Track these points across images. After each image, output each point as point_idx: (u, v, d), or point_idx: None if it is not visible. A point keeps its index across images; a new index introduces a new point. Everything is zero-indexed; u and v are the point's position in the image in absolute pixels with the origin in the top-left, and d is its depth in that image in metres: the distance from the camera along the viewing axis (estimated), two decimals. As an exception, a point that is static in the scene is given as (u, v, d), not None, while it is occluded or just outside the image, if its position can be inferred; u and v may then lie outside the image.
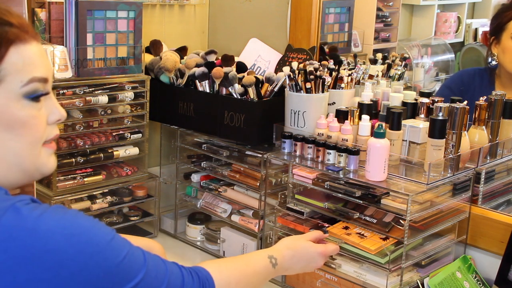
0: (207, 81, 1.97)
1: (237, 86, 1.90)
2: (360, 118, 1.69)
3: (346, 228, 1.62)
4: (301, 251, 1.39)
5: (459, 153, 1.64)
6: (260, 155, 1.84)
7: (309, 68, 1.78)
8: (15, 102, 0.96)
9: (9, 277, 0.85)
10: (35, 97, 0.98)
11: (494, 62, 2.14)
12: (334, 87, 1.88)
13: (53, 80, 1.09)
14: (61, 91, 1.83)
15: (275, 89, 1.89)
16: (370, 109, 1.77)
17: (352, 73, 1.91)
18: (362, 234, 1.58)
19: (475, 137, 1.77)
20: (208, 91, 1.97)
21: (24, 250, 0.86)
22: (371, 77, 2.02)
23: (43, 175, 1.03)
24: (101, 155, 1.98)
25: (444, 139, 1.59)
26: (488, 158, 1.79)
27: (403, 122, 1.67)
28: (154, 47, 2.19)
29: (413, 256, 1.58)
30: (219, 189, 1.99)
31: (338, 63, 1.92)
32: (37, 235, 0.87)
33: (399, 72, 2.09)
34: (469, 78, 2.20)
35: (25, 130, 0.98)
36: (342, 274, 1.62)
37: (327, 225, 1.64)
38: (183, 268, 1.07)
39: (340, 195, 1.62)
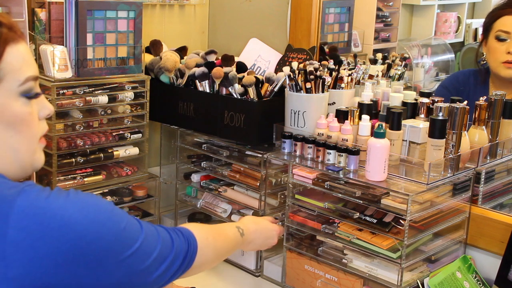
0: (207, 81, 1.97)
1: (237, 86, 1.90)
2: (360, 118, 1.69)
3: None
4: (263, 226, 1.58)
5: (459, 153, 1.64)
6: (260, 155, 1.84)
7: (309, 68, 1.78)
8: (14, 101, 1.02)
9: (31, 252, 0.93)
10: (32, 96, 1.04)
11: (482, 62, 2.16)
12: (334, 87, 1.88)
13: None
14: (61, 91, 1.83)
15: (275, 89, 1.89)
16: (370, 109, 1.77)
17: (352, 73, 1.91)
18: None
19: (475, 137, 1.77)
20: (208, 91, 1.97)
21: (41, 226, 0.93)
22: (371, 77, 2.02)
23: (35, 170, 1.10)
24: (101, 155, 1.98)
25: (444, 139, 1.59)
26: (488, 158, 1.79)
27: (403, 122, 1.67)
28: (154, 47, 2.19)
29: (423, 252, 1.60)
30: (219, 189, 1.99)
31: (338, 63, 1.92)
32: (50, 212, 0.95)
33: (399, 72, 2.09)
34: (465, 78, 2.21)
35: (24, 126, 1.04)
36: (352, 269, 1.63)
37: (338, 221, 1.65)
38: (169, 229, 1.19)
39: (340, 195, 1.62)
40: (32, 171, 1.09)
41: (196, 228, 1.26)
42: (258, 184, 1.85)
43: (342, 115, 1.74)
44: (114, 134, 2.01)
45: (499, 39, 2.04)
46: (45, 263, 0.93)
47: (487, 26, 2.10)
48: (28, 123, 1.04)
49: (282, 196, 1.82)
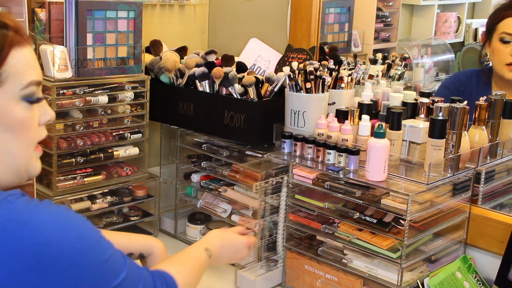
0: (207, 81, 1.97)
1: (237, 86, 1.90)
2: (360, 118, 1.69)
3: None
4: (229, 241, 1.48)
5: (459, 153, 1.64)
6: (260, 155, 1.84)
7: (309, 68, 1.78)
8: (15, 104, 0.99)
9: (5, 268, 0.88)
10: (33, 100, 1.02)
11: (485, 63, 2.16)
12: (334, 87, 1.88)
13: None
14: (61, 91, 1.83)
15: (275, 89, 1.89)
16: (370, 109, 1.77)
17: (352, 73, 1.91)
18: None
19: (475, 137, 1.77)
20: (208, 91, 1.97)
21: (19, 242, 0.88)
22: (371, 77, 2.02)
23: (30, 177, 1.06)
24: (101, 155, 1.98)
25: (444, 139, 1.59)
26: (488, 158, 1.79)
27: (403, 122, 1.67)
28: (154, 47, 2.19)
29: (423, 252, 1.60)
30: (219, 189, 1.99)
31: (338, 63, 1.92)
32: (31, 227, 0.90)
33: (399, 72, 2.09)
34: (466, 79, 2.21)
35: (23, 131, 1.01)
36: (352, 269, 1.63)
37: (338, 221, 1.65)
38: (152, 272, 1.14)
39: (340, 195, 1.62)
40: (27, 178, 1.06)
41: (178, 273, 1.20)
42: (258, 184, 1.85)
43: (342, 115, 1.74)
44: (114, 134, 2.01)
45: (503, 41, 2.04)
46: (18, 281, 0.88)
47: (491, 27, 2.09)
48: (27, 127, 1.01)
49: (282, 196, 1.82)
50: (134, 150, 2.06)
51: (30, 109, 1.02)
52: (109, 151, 2.00)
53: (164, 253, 1.38)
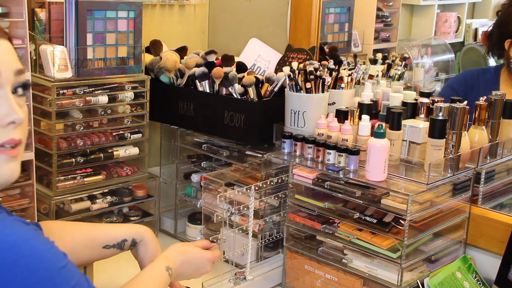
0: (207, 81, 1.97)
1: (237, 86, 1.90)
2: (360, 118, 1.69)
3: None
4: (191, 257, 1.41)
5: (459, 153, 1.64)
6: (260, 155, 1.84)
7: (309, 68, 1.78)
8: None
9: None
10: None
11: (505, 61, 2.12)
12: (334, 87, 1.88)
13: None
14: (61, 91, 1.83)
15: (275, 89, 1.89)
16: (370, 109, 1.77)
17: (352, 73, 1.91)
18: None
19: (475, 137, 1.77)
20: (208, 91, 1.97)
21: None
22: (371, 77, 2.02)
23: (2, 186, 0.98)
24: (101, 155, 1.98)
25: (444, 139, 1.59)
26: (488, 158, 1.79)
27: (403, 122, 1.67)
28: (154, 47, 2.19)
29: (423, 252, 1.60)
30: (219, 189, 1.99)
31: (338, 63, 1.92)
32: None
33: (399, 72, 2.09)
34: (473, 79, 2.19)
35: None
36: (352, 269, 1.63)
37: (338, 221, 1.65)
38: None
39: (340, 195, 1.62)
40: (4, 185, 0.98)
41: None
42: (258, 184, 1.85)
43: (342, 115, 1.74)
44: (114, 134, 2.01)
45: None
46: None
47: None
48: None
49: (282, 196, 1.82)
50: (134, 150, 2.06)
51: None
52: (109, 151, 2.00)
53: (154, 239, 1.42)
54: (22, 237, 0.89)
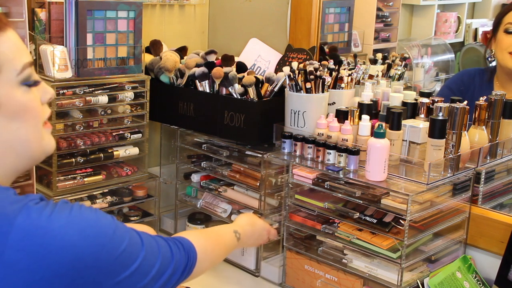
0: (207, 81, 1.97)
1: (237, 86, 1.90)
2: (360, 118, 1.69)
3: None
4: (257, 228, 1.58)
5: (459, 153, 1.64)
6: (260, 155, 1.84)
7: (309, 68, 1.78)
8: (16, 90, 0.99)
9: (26, 275, 0.89)
10: (31, 84, 1.01)
11: (490, 59, 2.15)
12: (334, 87, 1.88)
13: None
14: (61, 91, 1.83)
15: (275, 89, 1.89)
16: (370, 109, 1.77)
17: (352, 73, 1.91)
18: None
19: (475, 137, 1.77)
20: (208, 91, 1.97)
21: (40, 248, 0.90)
22: (371, 77, 2.02)
23: (47, 155, 1.07)
24: (101, 155, 1.98)
25: (444, 139, 1.59)
26: (488, 158, 1.79)
27: (403, 122, 1.67)
28: (154, 47, 2.19)
29: (423, 252, 1.60)
30: (219, 189, 1.99)
31: (338, 63, 1.92)
32: (51, 233, 0.92)
33: (399, 72, 2.09)
34: (469, 78, 2.20)
35: (29, 115, 1.01)
36: (352, 269, 1.63)
37: (338, 221, 1.65)
38: (169, 240, 1.16)
39: (340, 195, 1.62)
40: (45, 156, 1.07)
41: (196, 238, 1.23)
42: (258, 184, 1.85)
43: (342, 115, 1.74)
44: (114, 134, 2.01)
45: (508, 32, 2.05)
46: (40, 286, 0.90)
47: (497, 23, 2.11)
48: (31, 110, 1.01)
49: (282, 196, 1.82)
50: (134, 150, 2.06)
51: (29, 92, 1.01)
52: (109, 151, 2.00)
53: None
54: (87, 218, 0.97)
